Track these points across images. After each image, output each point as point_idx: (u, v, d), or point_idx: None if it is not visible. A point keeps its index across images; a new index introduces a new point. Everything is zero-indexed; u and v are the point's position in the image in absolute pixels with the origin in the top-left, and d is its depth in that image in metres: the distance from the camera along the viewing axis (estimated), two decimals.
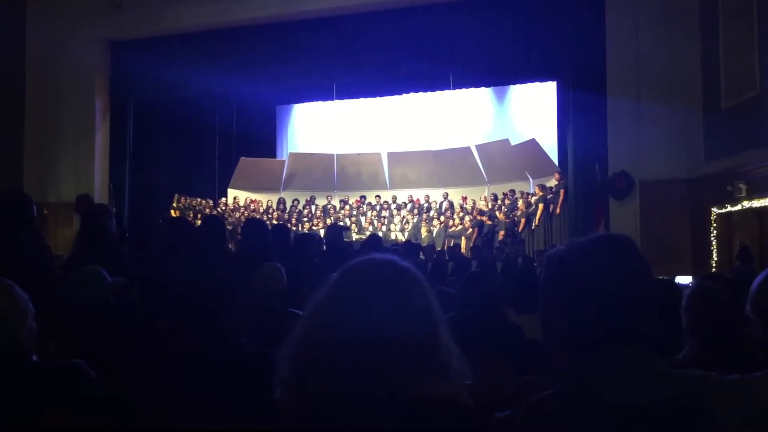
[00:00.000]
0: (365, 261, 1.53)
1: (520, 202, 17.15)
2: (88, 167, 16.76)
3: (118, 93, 16.98)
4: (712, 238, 12.15)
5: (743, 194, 11.28)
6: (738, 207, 11.47)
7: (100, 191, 16.81)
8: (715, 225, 12.14)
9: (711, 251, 12.18)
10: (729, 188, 11.50)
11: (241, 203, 20.74)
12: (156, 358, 2.38)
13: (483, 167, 20.27)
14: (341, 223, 18.97)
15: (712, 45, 12.16)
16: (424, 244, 15.95)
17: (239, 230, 17.54)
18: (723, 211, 11.88)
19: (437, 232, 18.36)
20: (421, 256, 13.13)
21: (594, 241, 1.52)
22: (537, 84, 19.28)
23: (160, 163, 18.48)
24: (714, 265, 11.98)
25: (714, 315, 3.01)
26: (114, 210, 16.62)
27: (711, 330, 2.98)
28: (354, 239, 17.71)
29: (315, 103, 22.53)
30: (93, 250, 4.38)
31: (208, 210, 19.17)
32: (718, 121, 12.04)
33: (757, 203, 11.03)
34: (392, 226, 19.49)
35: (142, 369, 2.36)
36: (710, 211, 12.17)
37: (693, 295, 3.11)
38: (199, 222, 15.02)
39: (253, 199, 21.06)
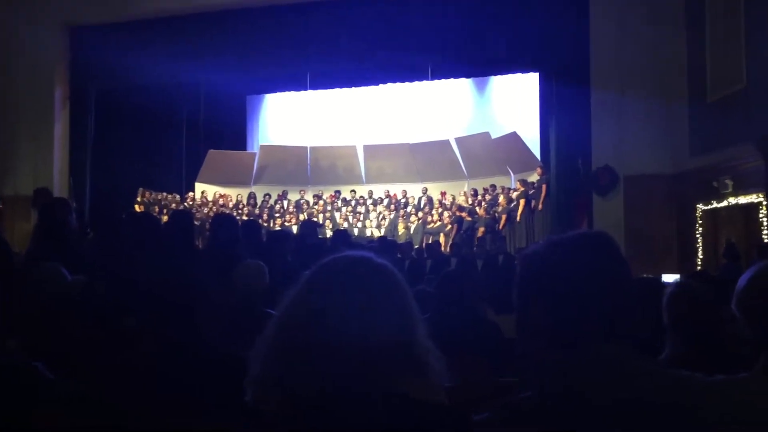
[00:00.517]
0: (340, 258, 1.54)
1: (501, 198, 17.24)
2: (46, 159, 16.51)
3: (78, 80, 16.74)
4: (698, 235, 12.29)
5: (729, 190, 11.40)
6: (724, 203, 11.60)
7: (59, 185, 16.57)
8: (700, 222, 12.27)
9: (696, 248, 12.33)
10: (715, 184, 11.63)
11: (210, 198, 20.61)
12: (127, 356, 2.38)
13: (463, 161, 20.34)
14: (315, 219, 18.93)
15: (698, 37, 12.29)
16: (401, 241, 15.99)
17: (207, 226, 17.44)
18: (709, 207, 12.02)
19: (415, 228, 18.40)
20: (399, 255, 13.14)
21: (572, 239, 1.55)
22: (519, 75, 19.37)
23: (123, 156, 18.27)
24: (700, 262, 12.12)
25: (696, 314, 3.06)
26: (74, 205, 16.40)
27: (693, 329, 3.03)
28: (328, 236, 17.67)
29: (288, 93, 22.43)
30: (51, 246, 4.33)
31: (174, 205, 19.01)
32: (704, 115, 12.17)
33: (743, 199, 11.16)
34: (368, 222, 19.50)
35: (113, 368, 2.36)
36: (696, 208, 12.31)
37: (674, 293, 3.16)
38: (165, 218, 14.91)
39: (222, 194, 20.94)
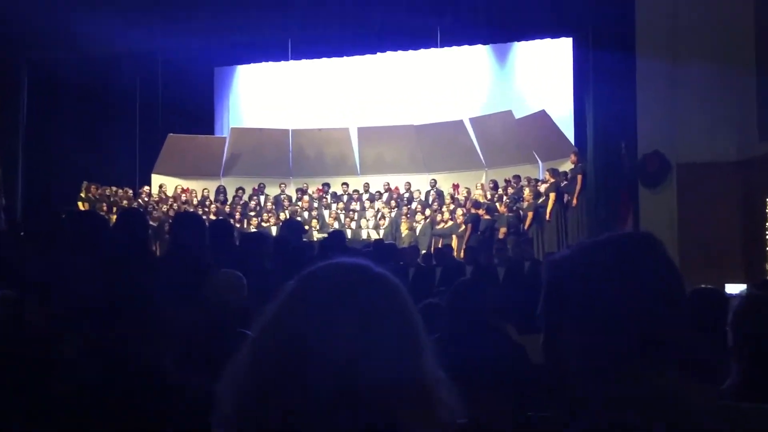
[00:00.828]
0: (329, 267, 1.53)
1: (526, 192, 17.24)
2: None
3: (7, 50, 16.71)
4: None
5: None
6: None
7: None
8: None
9: (767, 252, 12.33)
10: None
11: (170, 193, 20.60)
12: (64, 391, 2.37)
13: (480, 147, 20.33)
14: (299, 219, 18.94)
15: None
16: (404, 245, 15.99)
17: (167, 228, 17.50)
18: None
19: (421, 229, 18.40)
20: (401, 262, 13.14)
21: (612, 243, 1.55)
22: (548, 41, 19.33)
23: (63, 142, 18.26)
24: None
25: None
26: (3, 201, 16.43)
27: (764, 351, 3.03)
28: (315, 239, 17.69)
29: (264, 64, 22.41)
30: None
31: (126, 202, 19.01)
32: None
33: None
34: (364, 222, 19.51)
35: (45, 407, 2.35)
36: (766, 202, 12.31)
37: (741, 308, 3.16)
38: (114, 217, 14.90)
39: (185, 188, 20.93)
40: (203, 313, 4.09)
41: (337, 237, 8.13)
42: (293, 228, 15.15)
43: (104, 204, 18.62)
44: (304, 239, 16.24)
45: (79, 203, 18.30)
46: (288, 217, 18.87)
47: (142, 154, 20.88)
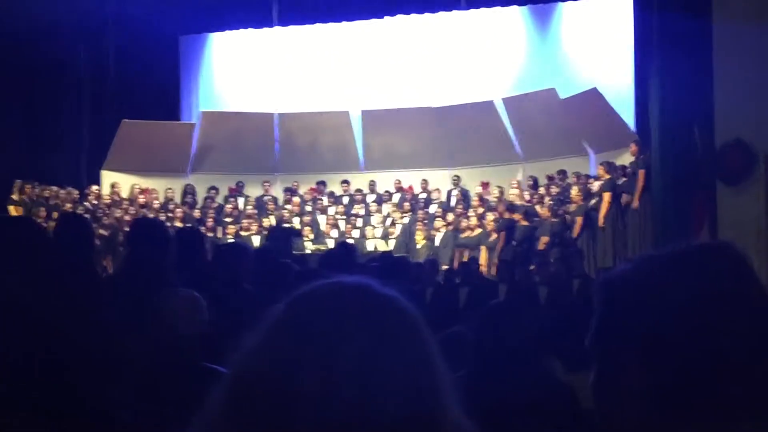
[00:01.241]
0: (323, 288, 1.53)
1: (574, 191, 17.22)
2: None
3: None
4: None
5: None
6: None
7: None
8: None
9: None
10: None
11: (124, 194, 20.64)
12: None
13: (515, 134, 20.32)
14: (287, 225, 18.95)
15: None
16: (420, 259, 15.97)
17: (121, 238, 17.50)
18: None
19: (443, 239, 18.40)
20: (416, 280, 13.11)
21: (681, 256, 1.54)
22: (602, 1, 19.34)
23: None
24: None
25: None
26: None
27: None
28: (308, 251, 17.69)
29: (243, 31, 22.44)
30: None
31: (69, 205, 19.05)
32: None
33: None
34: (369, 231, 19.52)
35: None
36: None
37: None
38: (54, 224, 14.94)
39: (144, 188, 20.97)
40: (157, 343, 4.10)
41: (344, 250, 8.13)
42: (280, 237, 15.19)
43: (43, 208, 18.64)
44: (295, 252, 16.31)
45: (11, 207, 18.33)
46: (273, 224, 18.89)
47: (90, 145, 20.93)
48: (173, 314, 4.24)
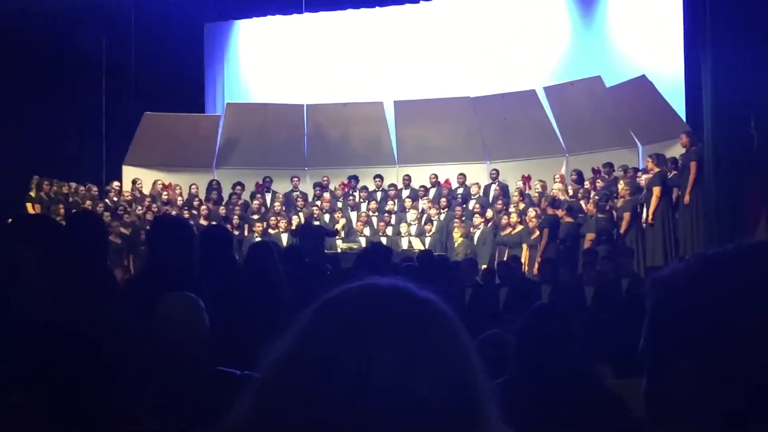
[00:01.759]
0: (356, 291, 1.52)
1: (621, 185, 17.15)
2: None
3: None
4: None
5: None
6: None
7: None
8: None
9: None
10: None
11: (146, 189, 20.75)
12: None
13: (558, 126, 20.26)
14: (318, 224, 18.98)
15: None
16: (457, 258, 15.96)
17: (143, 236, 17.57)
18: None
19: (481, 236, 18.37)
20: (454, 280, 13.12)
21: (736, 255, 1.52)
22: None
23: (7, 124, 18.43)
24: None
25: None
26: None
27: None
28: (340, 250, 17.71)
29: (270, 18, 22.50)
30: None
31: (88, 202, 19.18)
32: None
33: None
34: (404, 228, 19.51)
35: None
36: None
37: None
38: None
39: (167, 184, 21.06)
40: (162, 347, 4.11)
41: (378, 251, 8.15)
42: (313, 236, 15.19)
43: (61, 205, 18.76)
44: (326, 251, 16.34)
45: (29, 204, 18.46)
46: (303, 220, 18.91)
47: (111, 139, 21.05)
48: (172, 319, 4.25)
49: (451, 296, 1.61)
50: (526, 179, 19.76)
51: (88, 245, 5.12)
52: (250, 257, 6.87)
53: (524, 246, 17.40)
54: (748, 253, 1.54)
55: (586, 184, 18.40)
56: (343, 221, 19.58)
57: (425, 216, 19.75)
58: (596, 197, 17.50)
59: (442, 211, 19.66)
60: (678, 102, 17.94)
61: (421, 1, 20.81)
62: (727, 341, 1.45)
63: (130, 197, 20.09)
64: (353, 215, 20.12)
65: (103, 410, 2.47)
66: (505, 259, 16.25)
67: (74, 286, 4.27)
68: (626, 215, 16.57)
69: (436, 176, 20.81)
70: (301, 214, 19.71)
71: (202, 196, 20.89)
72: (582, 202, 17.71)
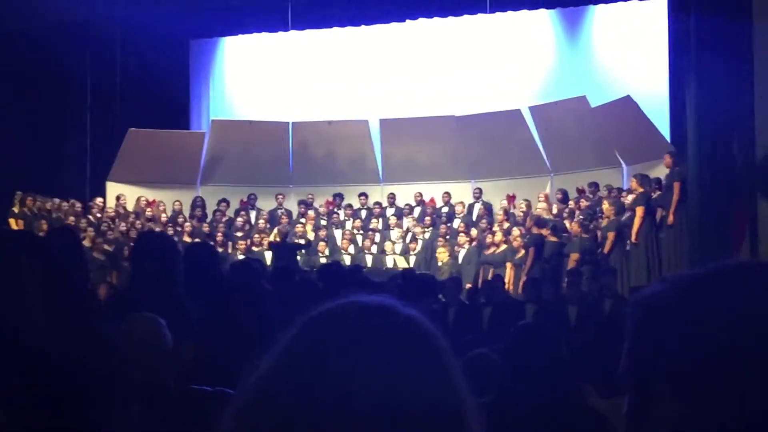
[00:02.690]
0: (341, 308, 1.52)
1: (606, 205, 17.18)
2: None
3: None
4: None
5: None
6: None
7: None
8: None
9: None
10: None
11: (130, 206, 20.69)
12: None
13: (543, 145, 20.29)
14: (300, 241, 18.94)
15: None
16: (442, 276, 15.95)
17: (126, 252, 17.51)
18: None
19: (466, 255, 18.37)
20: (440, 297, 13.11)
21: (719, 276, 1.52)
22: (635, 3, 19.33)
23: None
24: None
25: None
26: None
27: None
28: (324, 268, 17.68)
29: (257, 35, 22.51)
30: None
31: (71, 218, 19.10)
32: None
33: None
34: (388, 246, 19.50)
35: None
36: None
37: None
38: None
39: (151, 200, 21.01)
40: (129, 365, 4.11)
41: (332, 269, 8.13)
42: (284, 253, 15.18)
43: (44, 221, 18.70)
44: (306, 268, 16.32)
45: (11, 220, 18.41)
46: (282, 237, 18.77)
47: (94, 155, 21.00)
48: (135, 338, 4.23)
49: (435, 314, 1.60)
50: (511, 198, 19.77)
51: (66, 260, 5.10)
52: (230, 276, 6.85)
53: (508, 265, 17.40)
54: (731, 273, 1.54)
55: (571, 204, 18.42)
56: (312, 234, 19.52)
57: (410, 234, 19.75)
58: (581, 217, 17.52)
59: (426, 229, 19.66)
60: (662, 122, 17.99)
61: (406, 20, 20.80)
62: (709, 362, 1.45)
63: (113, 214, 20.04)
64: (338, 233, 20.10)
65: (80, 429, 2.45)
66: (489, 278, 16.24)
67: (55, 303, 4.26)
68: (610, 235, 16.59)
69: (421, 195, 20.81)
70: (284, 231, 19.61)
71: (187, 212, 20.85)
72: (566, 222, 17.73)
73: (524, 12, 20.59)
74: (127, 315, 4.32)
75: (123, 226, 19.32)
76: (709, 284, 1.52)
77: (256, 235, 19.61)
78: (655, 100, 18.37)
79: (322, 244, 19.47)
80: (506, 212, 19.11)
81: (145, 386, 4.05)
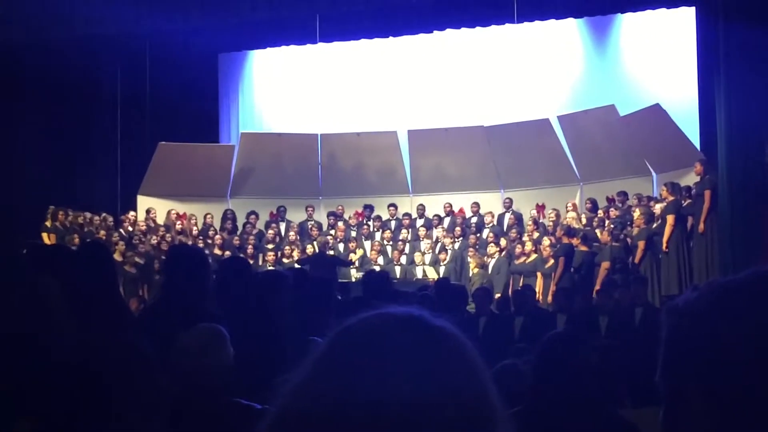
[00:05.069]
0: (372, 320, 1.53)
1: (636, 213, 17.11)
2: None
3: None
4: None
5: None
6: None
7: None
8: None
9: None
10: None
11: (160, 220, 20.78)
12: None
13: (572, 154, 20.24)
14: (332, 253, 18.96)
15: None
16: (472, 287, 15.92)
17: (157, 265, 17.58)
18: None
19: (495, 265, 18.33)
20: (470, 307, 13.06)
21: (752, 283, 1.51)
22: (663, 12, 19.25)
23: (23, 155, 18.50)
24: None
25: None
26: None
27: None
28: (354, 279, 17.70)
29: (285, 48, 22.57)
30: None
31: (103, 232, 19.20)
32: None
33: None
34: (418, 257, 19.48)
35: None
36: None
37: None
38: None
39: (182, 213, 21.10)
40: (181, 379, 4.10)
41: (375, 279, 8.11)
42: (324, 265, 15.18)
43: (76, 235, 18.81)
44: (340, 279, 16.33)
45: (44, 234, 18.51)
46: (317, 249, 18.90)
47: (125, 169, 21.10)
48: (196, 350, 4.23)
49: (466, 324, 1.60)
50: (540, 208, 19.72)
51: (98, 274, 5.12)
52: (256, 287, 6.86)
53: (539, 275, 17.36)
54: (762, 281, 1.53)
55: (600, 213, 18.37)
56: (360, 251, 19.58)
57: (439, 245, 19.72)
58: (611, 226, 17.46)
59: (456, 240, 19.63)
60: (692, 130, 17.92)
61: (434, 31, 20.80)
62: (742, 370, 1.44)
63: (144, 227, 20.12)
64: (367, 244, 20.10)
65: None
66: (519, 287, 16.19)
67: (88, 316, 4.28)
68: (641, 244, 16.52)
69: (450, 205, 20.79)
70: (315, 243, 19.65)
71: (217, 225, 20.91)
72: (596, 231, 17.67)
73: (552, 21, 20.55)
74: (195, 325, 4.33)
75: (154, 240, 19.39)
76: (741, 292, 1.51)
77: (286, 247, 19.64)
78: (684, 107, 18.31)
79: (352, 255, 19.46)
80: (536, 222, 19.07)
81: (193, 397, 4.06)
